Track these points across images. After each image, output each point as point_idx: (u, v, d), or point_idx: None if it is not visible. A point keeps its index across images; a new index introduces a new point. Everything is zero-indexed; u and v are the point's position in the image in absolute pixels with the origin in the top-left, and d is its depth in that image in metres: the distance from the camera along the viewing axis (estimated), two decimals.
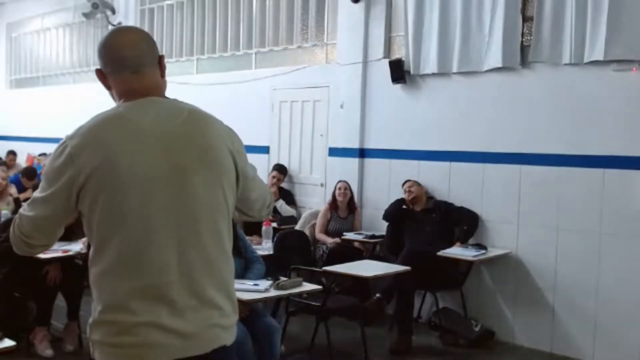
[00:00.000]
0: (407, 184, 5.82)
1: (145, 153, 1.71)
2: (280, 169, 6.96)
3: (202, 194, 1.76)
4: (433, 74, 5.83)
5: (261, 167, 6.93)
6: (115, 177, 1.68)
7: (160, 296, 1.71)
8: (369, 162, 6.39)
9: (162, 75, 1.89)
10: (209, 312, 1.77)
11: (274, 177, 6.80)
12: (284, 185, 7.00)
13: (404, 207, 5.75)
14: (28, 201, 1.81)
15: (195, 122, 1.80)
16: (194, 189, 1.74)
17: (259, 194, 1.99)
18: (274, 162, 7.15)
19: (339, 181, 6.29)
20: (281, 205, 6.64)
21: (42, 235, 1.78)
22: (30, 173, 7.85)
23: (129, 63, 1.79)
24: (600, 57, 4.75)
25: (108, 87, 1.86)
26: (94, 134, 1.72)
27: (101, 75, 1.85)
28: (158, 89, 1.84)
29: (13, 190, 6.54)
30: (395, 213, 5.74)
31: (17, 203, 6.26)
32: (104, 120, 1.75)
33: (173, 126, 1.76)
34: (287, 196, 6.94)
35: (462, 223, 5.54)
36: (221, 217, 1.81)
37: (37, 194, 1.76)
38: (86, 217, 1.74)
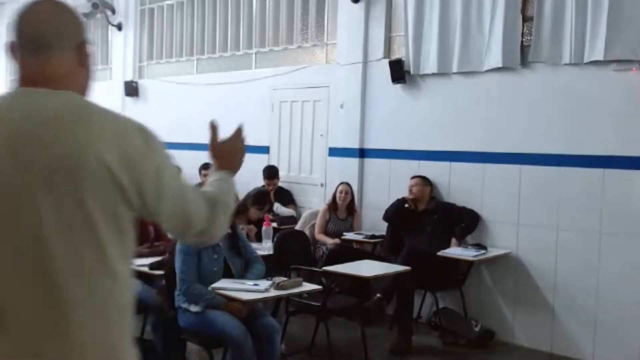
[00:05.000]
0: (412, 181, 5.78)
1: None
2: (270, 175, 6.79)
3: (50, 215, 1.32)
4: (433, 74, 5.83)
5: (261, 167, 6.94)
6: None
7: None
8: (369, 162, 6.39)
9: (82, 64, 1.45)
10: None
11: (268, 185, 6.72)
12: (283, 184, 6.98)
13: (406, 205, 5.70)
14: None
15: (61, 122, 1.34)
16: (40, 208, 1.31)
17: (177, 212, 1.46)
18: (274, 162, 7.12)
19: (341, 183, 6.24)
20: (277, 207, 6.60)
21: None
22: None
23: (30, 43, 1.38)
24: (600, 57, 4.75)
25: None
26: None
27: (12, 49, 1.43)
28: (67, 80, 1.40)
29: None
30: (396, 214, 5.72)
31: None
32: None
33: (33, 127, 1.33)
34: (286, 196, 6.91)
35: (462, 221, 5.54)
36: (83, 243, 1.34)
37: None
38: None
